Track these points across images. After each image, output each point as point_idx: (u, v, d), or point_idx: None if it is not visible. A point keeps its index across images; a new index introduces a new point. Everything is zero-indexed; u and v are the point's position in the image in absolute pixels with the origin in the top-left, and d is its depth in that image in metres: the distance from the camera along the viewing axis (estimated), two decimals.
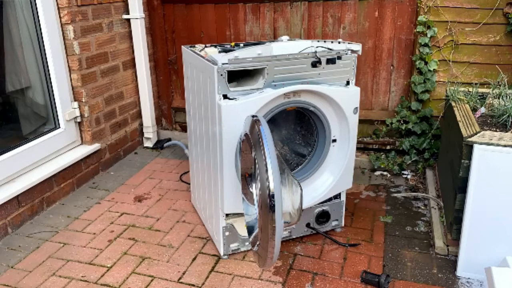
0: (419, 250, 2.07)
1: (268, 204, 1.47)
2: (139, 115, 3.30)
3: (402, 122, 2.82)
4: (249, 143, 1.67)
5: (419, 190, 2.62)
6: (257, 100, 1.76)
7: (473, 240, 1.82)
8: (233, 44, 2.17)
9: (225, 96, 1.77)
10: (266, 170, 1.47)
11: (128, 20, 3.03)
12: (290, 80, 1.85)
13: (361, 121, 2.74)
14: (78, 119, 2.75)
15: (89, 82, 2.76)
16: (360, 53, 1.95)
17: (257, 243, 1.68)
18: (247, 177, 1.82)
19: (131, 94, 3.19)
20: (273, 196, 1.45)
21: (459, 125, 1.87)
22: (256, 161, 1.57)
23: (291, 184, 1.81)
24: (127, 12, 3.01)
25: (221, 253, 2.04)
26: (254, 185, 1.80)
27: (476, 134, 1.77)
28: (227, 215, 1.97)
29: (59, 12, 2.54)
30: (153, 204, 2.54)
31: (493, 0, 2.47)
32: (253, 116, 1.62)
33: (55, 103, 2.63)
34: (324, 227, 2.17)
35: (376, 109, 2.93)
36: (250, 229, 1.80)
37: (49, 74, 2.57)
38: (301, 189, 1.78)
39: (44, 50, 2.53)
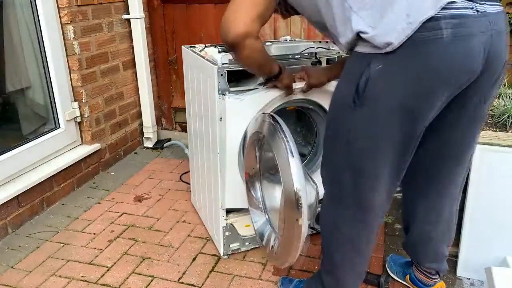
0: None
1: (294, 201, 1.43)
2: (139, 115, 3.30)
3: None
4: (257, 142, 1.66)
5: None
6: (263, 95, 1.74)
7: (473, 240, 1.82)
8: None
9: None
10: (289, 167, 1.43)
11: (128, 20, 3.03)
12: None
13: None
14: (78, 119, 2.75)
15: (89, 82, 2.76)
16: None
17: (272, 244, 1.67)
18: (249, 178, 1.81)
19: (131, 94, 3.19)
20: (298, 193, 1.41)
21: None
22: (275, 157, 1.53)
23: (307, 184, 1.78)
24: (127, 12, 3.00)
25: (221, 253, 2.04)
26: (258, 186, 1.79)
27: None
28: (227, 214, 1.97)
29: (59, 12, 2.54)
30: (153, 204, 2.54)
31: None
32: (266, 114, 1.62)
33: (55, 103, 2.63)
34: None
35: None
36: (261, 235, 1.79)
37: (49, 74, 2.57)
38: (317, 190, 1.74)
39: (44, 50, 2.53)
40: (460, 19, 1.09)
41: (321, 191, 1.61)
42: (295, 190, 1.41)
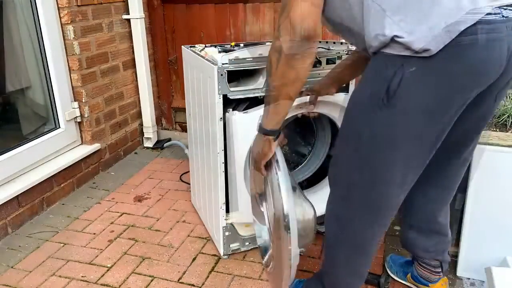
0: None
1: (283, 226, 1.40)
2: (139, 115, 3.30)
3: None
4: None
5: None
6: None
7: (473, 240, 1.82)
8: (233, 44, 2.17)
9: (225, 97, 1.77)
10: (281, 195, 1.40)
11: (128, 20, 3.03)
12: None
13: None
14: (78, 119, 2.75)
15: (89, 82, 2.76)
16: None
17: (270, 266, 1.67)
18: (259, 196, 1.79)
19: (131, 94, 3.19)
20: (287, 217, 1.38)
21: None
22: (268, 181, 1.51)
23: (303, 205, 1.76)
24: (127, 12, 3.00)
25: (221, 253, 2.04)
26: (265, 204, 1.78)
27: None
28: (227, 214, 1.97)
29: (59, 12, 2.54)
30: (153, 204, 2.54)
31: None
32: None
33: (55, 103, 2.63)
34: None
35: None
36: (264, 250, 1.78)
37: (49, 74, 2.57)
38: (315, 211, 1.72)
39: (44, 50, 2.52)
40: (492, 25, 1.13)
41: (319, 209, 1.60)
42: (284, 214, 1.38)
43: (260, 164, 1.48)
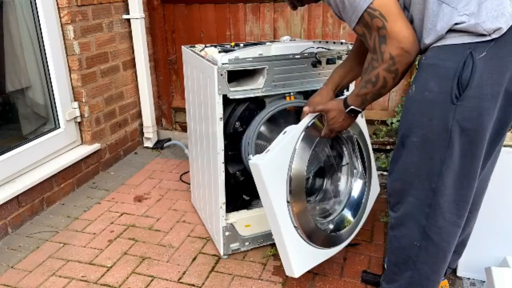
0: None
1: None
2: (139, 115, 3.30)
3: None
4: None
5: None
6: (287, 143, 1.63)
7: (473, 240, 1.82)
8: (233, 44, 2.18)
9: (225, 97, 1.77)
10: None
11: (128, 20, 3.03)
12: (290, 80, 1.86)
13: None
14: (78, 119, 2.75)
15: (89, 82, 2.76)
16: None
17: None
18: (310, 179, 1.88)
19: (131, 94, 3.19)
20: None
21: None
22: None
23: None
24: (127, 12, 3.00)
25: (221, 253, 2.04)
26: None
27: None
28: (227, 214, 1.97)
29: (59, 12, 2.54)
30: (153, 204, 2.54)
31: None
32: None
33: (55, 103, 2.63)
34: None
35: (376, 109, 2.93)
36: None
37: (49, 74, 2.57)
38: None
39: (44, 50, 2.53)
40: None
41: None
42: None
43: (335, 133, 1.66)
